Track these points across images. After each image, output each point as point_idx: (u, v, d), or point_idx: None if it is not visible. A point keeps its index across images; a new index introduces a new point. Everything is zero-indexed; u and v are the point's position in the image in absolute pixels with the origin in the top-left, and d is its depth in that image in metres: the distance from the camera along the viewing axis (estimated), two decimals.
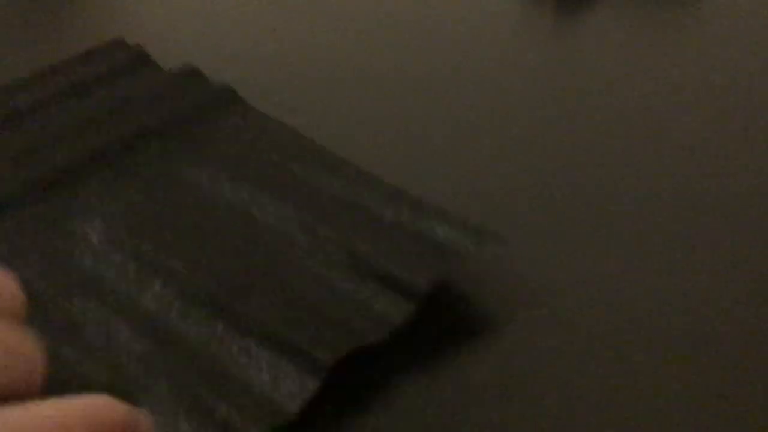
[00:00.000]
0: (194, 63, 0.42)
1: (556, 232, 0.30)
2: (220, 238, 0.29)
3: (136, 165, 0.32)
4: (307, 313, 0.25)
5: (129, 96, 0.37)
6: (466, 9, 0.47)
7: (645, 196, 0.32)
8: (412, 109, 0.38)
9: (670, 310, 0.27)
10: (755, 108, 0.37)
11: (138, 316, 0.26)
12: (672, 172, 0.33)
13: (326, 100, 0.39)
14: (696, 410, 0.23)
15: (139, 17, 0.47)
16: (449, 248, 0.27)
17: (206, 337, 0.25)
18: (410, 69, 0.41)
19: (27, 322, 0.25)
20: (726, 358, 0.25)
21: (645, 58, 0.42)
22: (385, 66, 0.41)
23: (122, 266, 0.28)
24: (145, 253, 0.28)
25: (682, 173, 0.33)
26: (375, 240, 0.28)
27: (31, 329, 0.24)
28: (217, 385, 0.23)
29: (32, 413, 0.16)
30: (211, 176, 0.32)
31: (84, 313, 0.26)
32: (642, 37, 0.44)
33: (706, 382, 0.24)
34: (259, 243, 0.28)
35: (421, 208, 0.29)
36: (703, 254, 0.29)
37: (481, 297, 0.28)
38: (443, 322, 0.27)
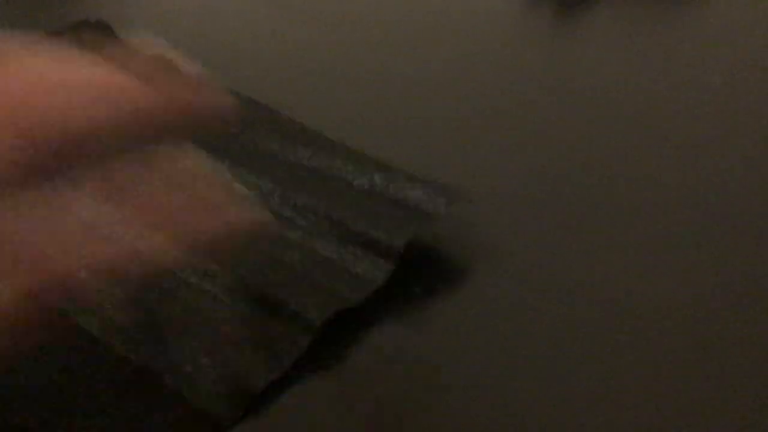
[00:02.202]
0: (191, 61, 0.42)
1: (555, 229, 0.30)
2: None
3: None
4: (295, 279, 0.27)
5: None
6: (466, 9, 0.47)
7: (644, 195, 0.32)
8: (411, 109, 0.38)
9: (655, 293, 0.27)
10: (755, 107, 0.37)
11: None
12: (671, 171, 0.33)
13: (325, 99, 0.39)
14: (689, 400, 0.23)
15: (136, 17, 0.47)
16: (421, 209, 0.29)
17: (197, 306, 0.26)
18: (409, 69, 0.41)
19: None
20: (720, 349, 0.25)
21: (645, 58, 0.42)
22: (385, 66, 0.41)
23: None
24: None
25: (682, 172, 0.33)
26: (352, 207, 0.29)
27: None
28: (209, 343, 0.25)
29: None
30: (189, 154, 0.32)
31: None
32: (642, 37, 0.44)
33: (701, 375, 0.24)
34: None
35: (393, 173, 0.31)
36: (700, 250, 0.29)
37: (495, 290, 0.28)
38: (420, 281, 0.28)
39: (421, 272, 0.29)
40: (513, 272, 0.28)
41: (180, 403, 0.23)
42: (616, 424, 0.23)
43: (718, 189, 0.32)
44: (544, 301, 0.27)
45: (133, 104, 0.18)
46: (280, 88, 0.40)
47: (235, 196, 0.20)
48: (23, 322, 0.16)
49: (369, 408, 0.24)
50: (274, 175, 0.31)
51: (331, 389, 0.24)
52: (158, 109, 0.19)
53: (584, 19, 0.46)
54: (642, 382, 0.24)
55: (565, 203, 0.32)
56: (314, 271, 0.27)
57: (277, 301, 0.26)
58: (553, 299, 0.27)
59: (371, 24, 0.46)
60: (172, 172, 0.20)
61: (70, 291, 0.16)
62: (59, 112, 0.17)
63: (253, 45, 0.44)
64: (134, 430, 0.22)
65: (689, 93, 0.39)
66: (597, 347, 0.26)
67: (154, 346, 0.24)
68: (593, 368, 0.25)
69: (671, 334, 0.26)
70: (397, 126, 0.36)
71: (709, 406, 0.24)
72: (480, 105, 0.38)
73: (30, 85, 0.17)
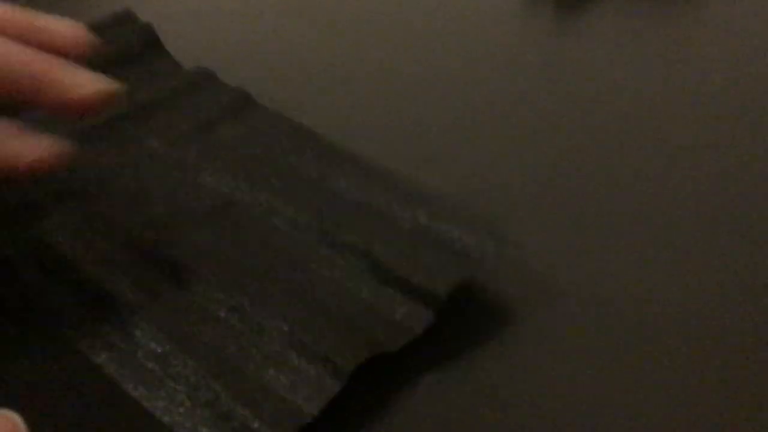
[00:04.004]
0: (199, 60, 0.42)
1: (555, 230, 0.30)
2: (239, 245, 0.28)
3: (155, 173, 0.32)
4: (328, 320, 0.25)
5: (143, 94, 0.36)
6: (466, 9, 0.47)
7: (645, 196, 0.32)
8: (412, 109, 0.38)
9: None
10: (756, 107, 0.37)
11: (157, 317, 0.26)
12: (673, 172, 0.33)
13: (329, 99, 0.39)
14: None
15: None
16: (469, 253, 0.27)
17: (224, 340, 0.25)
18: (411, 68, 0.41)
19: None
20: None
21: (645, 57, 0.42)
22: (386, 66, 0.41)
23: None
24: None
25: (683, 172, 0.33)
26: (394, 246, 0.27)
27: None
28: (234, 387, 0.23)
29: None
30: (230, 183, 0.31)
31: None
32: (642, 37, 0.44)
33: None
34: (277, 250, 0.28)
35: (438, 209, 0.28)
36: (702, 251, 0.29)
37: (496, 297, 0.27)
38: (460, 321, 0.27)
39: None
40: (512, 269, 0.28)
41: None
42: None
43: (720, 189, 0.32)
44: (543, 301, 0.27)
45: None
46: (280, 88, 0.40)
47: None
48: None
49: None
50: (313, 207, 0.29)
51: None
52: None
53: (584, 19, 0.46)
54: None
55: (565, 203, 0.32)
56: (349, 314, 0.25)
57: (307, 344, 0.24)
58: (553, 299, 0.27)
59: (370, 24, 0.46)
60: None
61: None
62: None
63: (254, 44, 0.44)
64: None
65: (690, 92, 0.38)
66: (593, 346, 0.25)
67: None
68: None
69: (672, 335, 0.26)
70: (395, 125, 0.36)
71: (713, 407, 0.24)
72: (479, 105, 0.38)
73: None
